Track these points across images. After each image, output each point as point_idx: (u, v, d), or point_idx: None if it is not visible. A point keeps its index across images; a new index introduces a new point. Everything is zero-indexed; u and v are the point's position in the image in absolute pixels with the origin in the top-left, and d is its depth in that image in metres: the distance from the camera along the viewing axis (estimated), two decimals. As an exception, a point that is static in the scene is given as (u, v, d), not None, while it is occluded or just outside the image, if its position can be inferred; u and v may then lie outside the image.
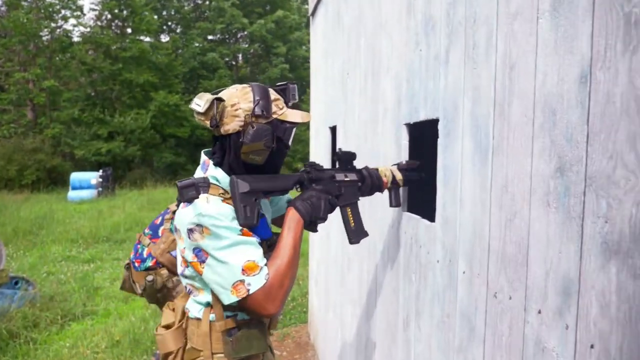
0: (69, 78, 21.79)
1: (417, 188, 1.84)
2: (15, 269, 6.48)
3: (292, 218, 1.46)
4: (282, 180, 1.51)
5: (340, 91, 3.07)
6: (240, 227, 1.37)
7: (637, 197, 0.74)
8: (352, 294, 2.67)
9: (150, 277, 3.47)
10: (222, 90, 1.48)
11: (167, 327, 1.58)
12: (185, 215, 1.38)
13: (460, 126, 1.34)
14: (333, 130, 3.43)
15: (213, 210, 1.35)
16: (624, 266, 0.76)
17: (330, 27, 3.46)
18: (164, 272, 3.33)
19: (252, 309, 1.38)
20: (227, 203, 1.41)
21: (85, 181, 15.86)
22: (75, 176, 16.09)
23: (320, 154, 3.96)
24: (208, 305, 1.48)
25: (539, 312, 0.98)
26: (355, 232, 1.64)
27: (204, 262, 1.37)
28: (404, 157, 1.82)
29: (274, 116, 1.45)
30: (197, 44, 25.64)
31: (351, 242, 1.66)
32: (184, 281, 1.55)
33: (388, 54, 2.02)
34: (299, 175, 1.54)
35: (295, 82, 1.53)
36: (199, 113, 1.40)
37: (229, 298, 1.36)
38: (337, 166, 1.67)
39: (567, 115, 0.91)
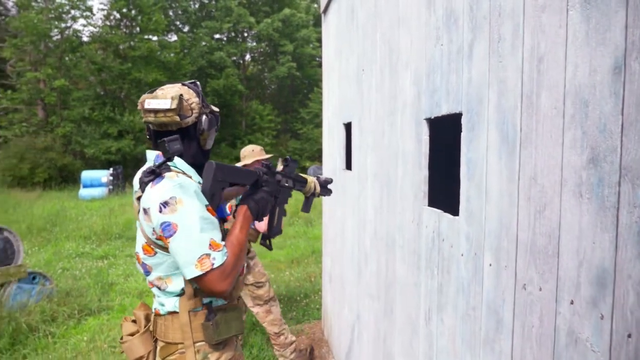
0: (79, 77, 21.98)
1: (439, 183, 1.84)
2: (31, 265, 6.56)
3: (245, 215, 1.63)
4: (246, 175, 1.67)
5: (355, 87, 3.07)
6: (207, 203, 1.51)
7: (676, 186, 0.75)
8: (370, 288, 2.68)
9: None
10: (156, 89, 1.64)
11: (132, 334, 1.64)
12: (157, 191, 1.47)
13: (485, 119, 1.35)
14: (348, 126, 3.44)
15: (184, 181, 1.49)
16: (662, 255, 0.77)
17: (344, 24, 3.47)
18: None
19: (208, 285, 1.45)
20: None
21: (96, 179, 16.01)
22: (86, 174, 16.24)
23: (334, 151, 3.96)
24: (182, 293, 1.55)
25: (572, 302, 0.99)
26: (276, 229, 1.88)
27: (171, 236, 1.44)
28: (424, 152, 1.83)
29: (211, 107, 1.72)
30: (204, 43, 25.72)
31: (268, 237, 1.87)
32: (149, 278, 1.61)
33: (407, 49, 2.02)
34: (257, 174, 1.71)
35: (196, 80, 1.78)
36: (166, 110, 1.54)
37: (192, 272, 1.43)
38: (283, 170, 1.89)
39: (600, 106, 0.91)
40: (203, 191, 1.52)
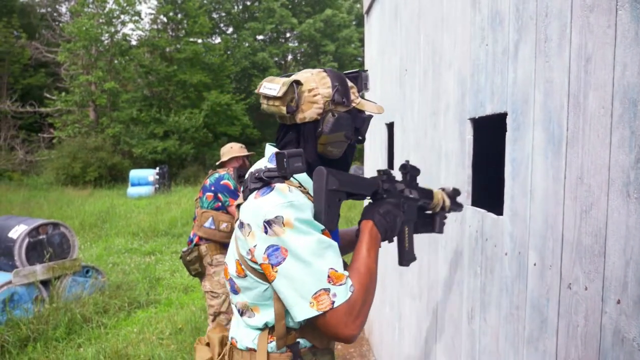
0: (128, 80, 22.84)
1: (484, 183, 1.85)
2: (84, 259, 6.91)
3: (372, 233, 1.26)
4: (364, 184, 1.31)
5: (397, 87, 3.09)
6: (323, 227, 1.17)
7: None
8: (412, 288, 2.70)
9: (184, 249, 3.64)
10: (292, 74, 1.30)
11: None
12: (260, 207, 1.16)
13: (531, 119, 1.35)
14: (390, 126, 3.46)
15: (297, 199, 1.15)
16: None
17: (387, 24, 3.49)
18: (203, 248, 3.48)
19: (330, 327, 1.12)
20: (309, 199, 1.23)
21: (143, 178, 16.59)
22: (134, 173, 16.87)
23: (375, 150, 3.99)
24: (265, 328, 1.24)
25: (618, 302, 0.99)
26: (408, 255, 1.47)
27: (279, 264, 1.12)
28: (467, 151, 1.84)
29: (353, 105, 1.28)
30: (247, 44, 26.20)
31: (402, 265, 1.48)
32: (235, 299, 1.31)
33: (450, 50, 2.03)
34: (376, 183, 1.35)
35: (367, 70, 1.37)
36: (273, 98, 1.24)
37: (306, 311, 1.11)
38: (402, 179, 1.50)
39: (650, 105, 0.91)
40: (315, 204, 1.18)
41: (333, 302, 1.10)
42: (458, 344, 1.91)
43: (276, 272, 1.13)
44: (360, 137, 1.34)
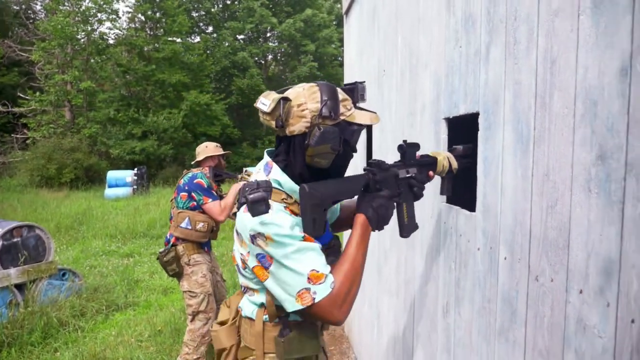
0: (105, 79, 22.50)
1: (457, 179, 1.90)
2: (60, 262, 6.80)
3: (362, 226, 1.40)
4: (350, 184, 1.43)
5: (376, 88, 3.14)
6: (303, 235, 1.31)
7: (676, 180, 0.80)
8: (390, 285, 2.75)
9: (161, 249, 3.68)
10: (289, 88, 1.41)
11: (222, 323, 1.59)
12: (247, 221, 1.32)
13: (501, 119, 1.40)
14: (368, 126, 3.50)
15: (275, 218, 1.30)
16: (664, 245, 0.82)
17: (365, 25, 3.54)
18: (180, 248, 3.52)
19: (317, 316, 1.33)
20: (289, 210, 1.36)
21: (121, 179, 16.38)
22: (112, 174, 16.63)
23: (354, 150, 4.03)
24: (262, 306, 1.46)
25: (581, 292, 1.04)
26: (408, 227, 1.60)
27: (267, 268, 1.32)
28: (443, 150, 1.89)
29: (342, 117, 1.36)
30: (227, 44, 26.06)
31: (402, 236, 1.62)
32: (241, 280, 1.52)
33: (426, 51, 2.08)
34: (365, 177, 1.45)
35: (364, 82, 1.44)
36: (264, 112, 1.35)
37: (293, 306, 1.31)
38: (400, 158, 1.60)
39: (608, 106, 0.96)
40: (302, 218, 1.32)
41: (314, 299, 1.29)
42: (434, 338, 1.96)
43: (267, 274, 1.34)
44: (351, 149, 1.44)
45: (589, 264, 1.02)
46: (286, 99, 1.33)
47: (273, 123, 1.35)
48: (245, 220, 1.33)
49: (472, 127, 1.63)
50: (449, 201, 1.88)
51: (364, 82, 1.43)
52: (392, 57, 2.70)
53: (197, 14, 28.17)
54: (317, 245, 1.34)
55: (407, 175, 1.56)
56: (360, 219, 1.42)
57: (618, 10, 0.94)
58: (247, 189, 1.35)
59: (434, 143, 1.97)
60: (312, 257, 1.31)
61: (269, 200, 1.33)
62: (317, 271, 1.30)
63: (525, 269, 1.27)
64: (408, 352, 2.35)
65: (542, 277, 1.19)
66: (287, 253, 1.29)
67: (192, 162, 3.88)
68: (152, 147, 21.30)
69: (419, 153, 1.65)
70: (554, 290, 1.15)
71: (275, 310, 1.42)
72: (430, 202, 2.00)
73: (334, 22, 27.69)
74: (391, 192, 1.48)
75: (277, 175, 1.40)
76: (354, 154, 1.49)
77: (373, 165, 1.49)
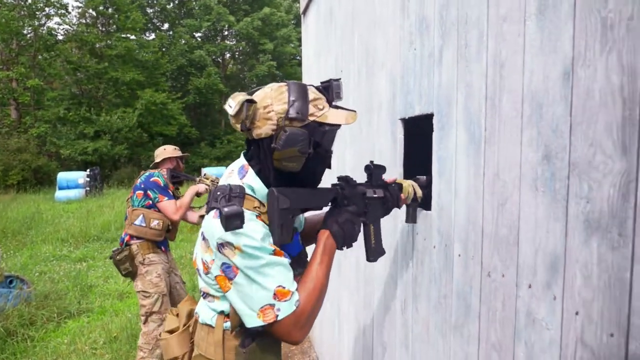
0: (54, 77, 21.58)
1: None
2: (7, 269, 6.47)
3: (327, 243, 1.35)
4: (320, 196, 1.39)
5: (333, 88, 3.15)
6: (273, 248, 1.25)
7: (614, 179, 0.85)
8: (349, 282, 2.77)
9: (114, 248, 3.63)
10: (260, 89, 1.35)
11: (172, 331, 1.51)
12: (215, 228, 1.24)
13: (454, 120, 1.44)
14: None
15: (247, 229, 1.22)
16: (604, 240, 0.87)
17: (322, 25, 3.55)
18: (134, 247, 3.48)
19: (277, 334, 1.27)
20: (261, 220, 1.28)
21: (73, 181, 15.77)
22: (62, 176, 15.98)
23: (313, 150, 4.04)
24: (222, 313, 1.36)
25: (530, 286, 1.09)
26: (375, 251, 1.55)
27: (231, 279, 1.25)
28: (399, 150, 1.92)
29: (311, 118, 1.28)
30: (183, 42, 25.54)
31: (369, 260, 1.57)
32: (201, 284, 1.42)
33: (383, 52, 2.11)
34: (334, 191, 1.43)
35: (339, 79, 1.37)
36: (230, 115, 1.28)
37: (254, 321, 1.23)
38: (367, 179, 1.57)
39: (553, 108, 1.01)
40: (270, 223, 1.27)
41: (277, 316, 1.22)
42: (393, 334, 2.00)
43: (230, 285, 1.25)
44: (325, 150, 1.35)
45: (537, 260, 1.06)
46: (251, 101, 1.26)
47: (239, 126, 1.29)
48: (214, 227, 1.25)
49: (428, 127, 1.66)
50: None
51: (340, 79, 1.37)
52: (349, 56, 2.73)
53: (151, 11, 27.46)
54: (286, 261, 1.28)
55: (375, 196, 1.52)
56: (324, 235, 1.36)
57: (560, 17, 0.99)
58: (219, 193, 1.29)
59: (391, 142, 2.00)
60: (281, 272, 1.25)
61: (248, 212, 1.26)
62: (284, 287, 1.23)
63: (478, 265, 1.32)
64: (368, 348, 2.38)
65: (494, 272, 1.24)
66: (255, 266, 1.22)
67: (150, 165, 3.83)
68: (106, 148, 20.62)
69: (385, 176, 1.63)
70: (505, 285, 1.19)
71: (239, 320, 1.32)
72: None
73: (293, 22, 27.65)
74: (358, 209, 1.44)
75: (251, 180, 1.33)
76: (331, 156, 1.42)
77: (341, 180, 1.46)
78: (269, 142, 1.29)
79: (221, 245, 1.23)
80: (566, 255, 0.97)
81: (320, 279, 1.31)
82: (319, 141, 1.31)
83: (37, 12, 21.27)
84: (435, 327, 1.59)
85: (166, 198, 3.51)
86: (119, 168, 21.56)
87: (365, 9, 2.39)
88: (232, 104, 1.27)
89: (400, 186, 1.63)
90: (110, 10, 22.98)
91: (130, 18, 22.64)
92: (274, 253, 1.25)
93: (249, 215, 1.25)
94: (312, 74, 4.02)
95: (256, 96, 1.31)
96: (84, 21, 23.46)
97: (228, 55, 29.45)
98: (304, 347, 4.15)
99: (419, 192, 1.67)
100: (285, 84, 1.32)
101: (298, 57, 27.40)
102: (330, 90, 1.35)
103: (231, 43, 28.10)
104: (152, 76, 23.59)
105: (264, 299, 1.22)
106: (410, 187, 1.64)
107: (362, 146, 2.44)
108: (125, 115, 21.42)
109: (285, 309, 1.23)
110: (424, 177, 1.74)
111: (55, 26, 25.57)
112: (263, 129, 1.28)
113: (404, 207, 1.73)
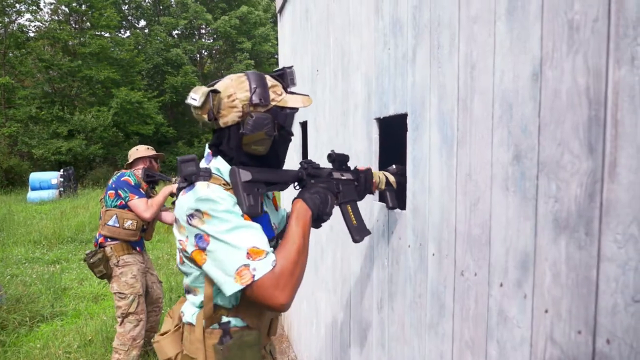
0: (25, 75, 21.03)
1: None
2: (-23, 272, 6.29)
3: (300, 209, 1.39)
4: (282, 174, 1.46)
5: (310, 87, 3.15)
6: (242, 214, 1.29)
7: (582, 178, 0.86)
8: (326, 283, 2.77)
9: (88, 251, 3.62)
10: (218, 81, 1.42)
11: (164, 334, 1.52)
12: (184, 202, 1.30)
13: (428, 120, 1.45)
14: (304, 125, 3.52)
15: (213, 194, 1.27)
16: (571, 239, 0.89)
17: (298, 25, 3.54)
18: (108, 249, 3.47)
19: (259, 298, 1.24)
20: (229, 192, 1.33)
21: (46, 181, 15.39)
22: (35, 176, 15.59)
23: (290, 148, 4.03)
24: (202, 307, 1.40)
25: (501, 285, 1.10)
26: (358, 230, 1.60)
27: (204, 249, 1.27)
28: (374, 150, 1.93)
29: (273, 103, 1.37)
30: (159, 40, 25.16)
31: (355, 241, 1.61)
32: (184, 280, 1.48)
33: (358, 52, 2.12)
34: (297, 171, 1.49)
35: (292, 66, 1.46)
36: (195, 107, 1.35)
37: (232, 286, 1.23)
38: (332, 166, 1.63)
39: (522, 108, 1.02)
40: (236, 196, 1.32)
41: (254, 276, 1.22)
42: (369, 333, 2.00)
43: (205, 256, 1.27)
44: (287, 132, 1.44)
45: (508, 258, 1.08)
46: (215, 91, 1.34)
47: (205, 117, 1.34)
48: (182, 202, 1.31)
49: (403, 127, 1.67)
50: (380, 199, 1.93)
51: (292, 66, 1.46)
52: (325, 57, 2.72)
53: (127, 8, 26.99)
54: (257, 225, 1.30)
55: (343, 177, 1.59)
56: (297, 203, 1.41)
57: (529, 18, 1.00)
58: (184, 174, 1.34)
59: (367, 142, 2.00)
60: (253, 234, 1.26)
61: (208, 182, 1.32)
62: (257, 247, 1.24)
63: (452, 264, 1.33)
64: (345, 347, 2.39)
65: (467, 272, 1.25)
66: (224, 229, 1.24)
67: (125, 165, 3.79)
68: (80, 147, 20.16)
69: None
70: (477, 284, 1.20)
71: (213, 312, 1.37)
72: (364, 202, 2.03)
73: (270, 20, 27.51)
74: (328, 185, 1.51)
75: (217, 164, 1.41)
76: (291, 138, 1.50)
77: (305, 163, 1.52)
78: (237, 129, 1.36)
79: (190, 217, 1.27)
80: (536, 254, 0.98)
81: (297, 241, 1.31)
82: (282, 124, 1.40)
83: (7, 9, 20.69)
84: (411, 326, 1.60)
85: (137, 197, 3.49)
86: (94, 168, 21.13)
87: (339, 11, 2.39)
88: (195, 97, 1.33)
89: (370, 172, 1.70)
90: (83, 7, 22.48)
91: (104, 15, 22.20)
92: (244, 218, 1.29)
93: (216, 187, 1.31)
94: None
95: (218, 87, 1.38)
96: (56, 18, 22.90)
97: (205, 53, 29.15)
98: (283, 347, 4.14)
99: (391, 178, 1.76)
100: (244, 74, 1.40)
101: (276, 56, 27.26)
102: (285, 77, 1.45)
103: (208, 41, 27.81)
104: (127, 74, 23.16)
105: (238, 260, 1.22)
106: (381, 174, 1.74)
107: (339, 148, 2.44)
108: (100, 114, 20.99)
109: (261, 268, 1.22)
110: (394, 166, 1.82)
111: (27, 23, 24.91)
112: (229, 117, 1.35)
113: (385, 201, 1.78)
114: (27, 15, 21.73)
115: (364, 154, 2.04)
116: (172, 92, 24.62)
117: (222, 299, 1.38)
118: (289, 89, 1.45)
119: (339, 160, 1.63)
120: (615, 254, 0.79)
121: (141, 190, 3.57)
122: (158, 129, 23.59)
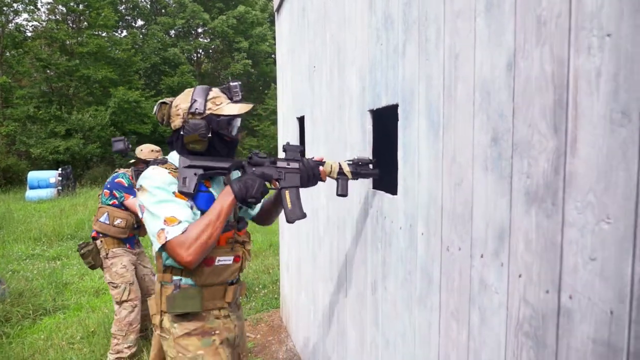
0: (23, 74, 21.04)
1: (383, 168, 2.05)
2: (-21, 268, 6.37)
3: (224, 192, 1.73)
4: (222, 161, 1.78)
5: (307, 83, 3.25)
6: (174, 191, 1.68)
7: (548, 155, 0.97)
8: (324, 271, 2.88)
9: (81, 242, 3.90)
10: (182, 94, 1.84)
11: None
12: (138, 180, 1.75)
13: (417, 109, 1.56)
14: (301, 120, 3.62)
15: (152, 174, 1.70)
16: (540, 209, 1.00)
17: (295, 23, 3.64)
18: (99, 242, 3.72)
19: (172, 255, 1.63)
20: (172, 175, 1.72)
21: (44, 180, 15.44)
22: (33, 175, 15.63)
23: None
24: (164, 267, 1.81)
25: (482, 256, 1.21)
26: (292, 212, 1.83)
27: (143, 215, 1.69)
28: (368, 140, 2.04)
29: (208, 112, 1.75)
30: (157, 39, 25.20)
31: (288, 221, 1.85)
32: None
33: (352, 48, 2.22)
34: (240, 159, 1.82)
35: (238, 81, 1.83)
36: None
37: (155, 245, 1.63)
38: (285, 156, 1.90)
39: (499, 95, 1.13)
40: (178, 179, 1.72)
41: (166, 237, 1.61)
42: (364, 314, 2.11)
43: (143, 220, 1.69)
44: (223, 135, 1.79)
45: (488, 232, 1.19)
46: (163, 103, 1.82)
47: (160, 122, 1.82)
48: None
49: (394, 117, 1.78)
50: (374, 187, 2.04)
51: (238, 82, 1.82)
52: (321, 53, 2.83)
53: (124, 8, 27.02)
54: (184, 202, 1.69)
55: (289, 166, 1.86)
56: (226, 187, 1.74)
57: (504, 14, 1.11)
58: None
59: (361, 134, 2.11)
60: (175, 207, 1.65)
61: (158, 166, 1.75)
62: (174, 217, 1.62)
63: (438, 241, 1.44)
64: (342, 332, 2.50)
65: (452, 247, 1.36)
66: (152, 201, 1.65)
67: (130, 162, 4.01)
68: (78, 146, 20.19)
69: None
70: (461, 257, 1.31)
71: (162, 269, 1.80)
72: (358, 189, 2.14)
73: (268, 20, 27.57)
74: (267, 172, 1.81)
75: (172, 154, 1.85)
76: (232, 139, 1.81)
77: (251, 153, 1.85)
78: (180, 131, 1.78)
79: (137, 191, 1.73)
80: (511, 225, 1.09)
81: (210, 215, 1.67)
82: (215, 128, 1.76)
83: (4, 8, 20.70)
84: (402, 301, 1.71)
85: (132, 196, 3.78)
86: (92, 167, 21.18)
87: (335, 8, 2.50)
88: (155, 108, 1.82)
89: (320, 162, 1.92)
90: (81, 6, 22.50)
91: (102, 15, 22.22)
92: (175, 195, 1.68)
93: (161, 169, 1.74)
94: (287, 71, 4.11)
95: (176, 99, 1.82)
96: (53, 17, 22.93)
97: (202, 53, 29.20)
98: (281, 337, 4.25)
99: (346, 168, 1.92)
100: (194, 88, 1.80)
101: (273, 55, 27.33)
102: (229, 90, 1.82)
103: (206, 41, 27.86)
104: (124, 74, 23.20)
105: (157, 225, 1.62)
106: (335, 164, 1.92)
107: (335, 142, 2.55)
108: (98, 113, 21.03)
109: (172, 232, 1.60)
110: (366, 157, 1.96)
111: (24, 22, 24.90)
112: (176, 122, 1.79)
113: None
114: (25, 15, 21.67)
115: (358, 145, 2.15)
116: (169, 91, 24.67)
117: (170, 261, 1.76)
118: (234, 99, 1.80)
119: (290, 150, 1.90)
120: (576, 219, 0.90)
121: (135, 189, 3.79)
122: (155, 129, 23.62)
